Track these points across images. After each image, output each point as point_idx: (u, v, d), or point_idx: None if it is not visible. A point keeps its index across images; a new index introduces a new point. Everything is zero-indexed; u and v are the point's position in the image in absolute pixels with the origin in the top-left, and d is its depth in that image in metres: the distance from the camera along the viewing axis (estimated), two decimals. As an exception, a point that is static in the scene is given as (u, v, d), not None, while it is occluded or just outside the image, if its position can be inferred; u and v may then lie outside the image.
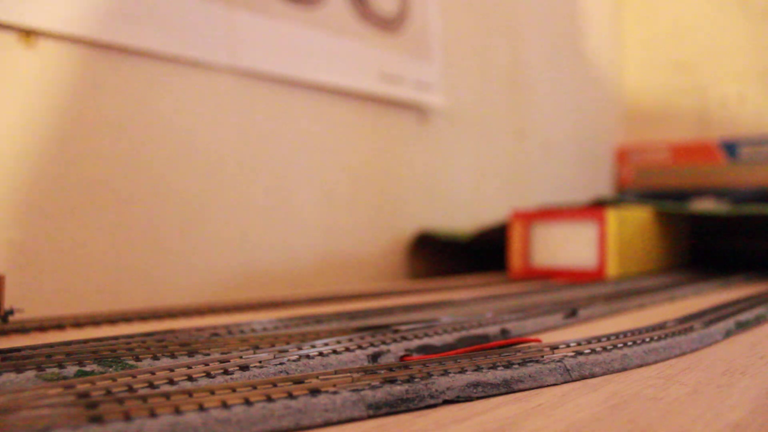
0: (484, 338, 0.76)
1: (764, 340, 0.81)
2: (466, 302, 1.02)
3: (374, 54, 1.43)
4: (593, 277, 1.42)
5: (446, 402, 0.54)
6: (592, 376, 0.63)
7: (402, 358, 0.66)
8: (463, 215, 1.70)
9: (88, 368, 0.59)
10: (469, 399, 0.55)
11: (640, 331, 0.76)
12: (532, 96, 2.01)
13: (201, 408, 0.46)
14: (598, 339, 0.71)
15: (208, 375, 0.55)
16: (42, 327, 0.82)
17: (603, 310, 1.02)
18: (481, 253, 1.72)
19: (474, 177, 1.77)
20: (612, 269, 1.42)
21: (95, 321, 0.87)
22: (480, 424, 0.48)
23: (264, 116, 1.27)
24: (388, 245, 1.53)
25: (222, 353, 0.64)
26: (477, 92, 1.79)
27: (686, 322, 0.81)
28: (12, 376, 0.55)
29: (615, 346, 0.68)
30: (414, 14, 1.54)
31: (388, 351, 0.67)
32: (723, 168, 2.03)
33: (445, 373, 0.56)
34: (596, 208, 1.50)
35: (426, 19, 1.58)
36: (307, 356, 0.62)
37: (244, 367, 0.57)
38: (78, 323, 0.85)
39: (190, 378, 0.54)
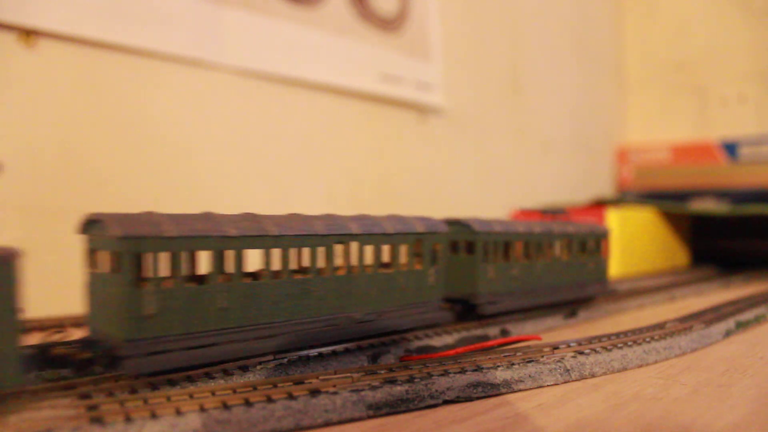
0: (484, 338, 0.76)
1: (764, 340, 0.81)
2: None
3: (374, 54, 1.43)
4: (593, 277, 1.42)
5: (446, 402, 0.54)
6: (592, 376, 0.63)
7: (402, 358, 0.66)
8: (463, 215, 1.69)
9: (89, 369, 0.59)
10: (469, 399, 0.55)
11: (640, 331, 0.77)
12: (532, 96, 2.01)
13: (201, 409, 0.46)
14: (599, 339, 0.71)
15: (209, 376, 0.55)
16: (42, 327, 0.82)
17: (603, 310, 1.02)
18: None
19: (474, 177, 1.77)
20: (612, 269, 1.42)
21: (95, 321, 0.87)
22: (480, 424, 0.49)
23: (264, 116, 1.27)
24: (388, 245, 1.53)
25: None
26: (477, 92, 1.79)
27: (686, 322, 0.81)
28: (12, 376, 0.55)
29: (615, 346, 0.68)
30: (414, 14, 1.54)
31: (388, 351, 0.67)
32: (723, 168, 2.03)
33: (445, 373, 0.56)
34: (596, 208, 1.50)
35: (426, 19, 1.58)
36: (307, 357, 0.62)
37: (244, 368, 0.57)
38: (78, 323, 0.85)
39: (191, 379, 0.54)
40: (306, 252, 0.64)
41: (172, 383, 0.53)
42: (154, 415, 0.44)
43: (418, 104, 1.57)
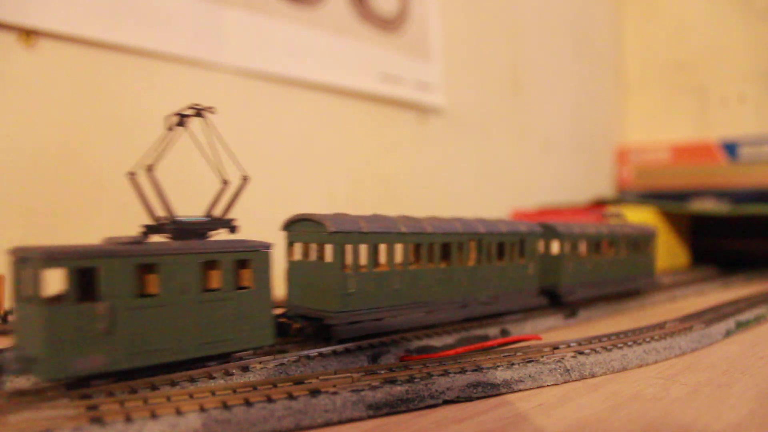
0: (485, 339, 0.76)
1: (764, 340, 0.81)
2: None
3: (374, 54, 1.43)
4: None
5: (446, 402, 0.54)
6: (592, 376, 0.63)
7: (402, 358, 0.66)
8: (463, 215, 1.69)
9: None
10: (469, 399, 0.55)
11: (640, 331, 0.77)
12: (532, 96, 2.01)
13: (201, 409, 0.46)
14: (599, 339, 0.71)
15: (209, 376, 0.55)
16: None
17: (603, 310, 1.02)
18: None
19: (474, 177, 1.77)
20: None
21: (95, 321, 0.87)
22: (480, 424, 0.49)
23: (264, 116, 1.27)
24: (388, 245, 1.53)
25: (222, 353, 0.64)
26: (477, 92, 1.79)
27: (686, 322, 0.81)
28: (12, 376, 0.55)
29: (615, 346, 0.68)
30: (414, 14, 1.54)
31: (388, 351, 0.67)
32: (723, 168, 2.02)
33: (445, 373, 0.56)
34: (596, 208, 1.50)
35: (426, 19, 1.58)
36: (307, 357, 0.62)
37: (244, 368, 0.57)
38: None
39: (191, 379, 0.54)
40: (448, 246, 0.78)
41: (172, 383, 0.53)
42: (154, 415, 0.44)
43: (418, 104, 1.57)
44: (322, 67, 1.34)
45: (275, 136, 1.29)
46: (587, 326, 0.91)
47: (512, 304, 0.86)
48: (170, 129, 0.62)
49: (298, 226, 0.70)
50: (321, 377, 0.53)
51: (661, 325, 0.80)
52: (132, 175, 0.60)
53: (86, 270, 0.48)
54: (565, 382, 0.61)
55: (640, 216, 1.56)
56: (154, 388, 0.51)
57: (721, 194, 1.96)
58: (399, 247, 0.71)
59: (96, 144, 1.04)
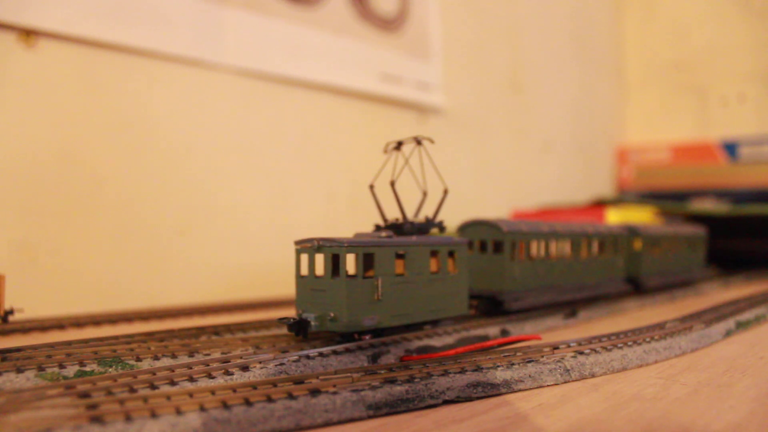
0: (485, 339, 0.76)
1: (764, 340, 0.81)
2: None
3: (374, 54, 1.43)
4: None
5: (446, 402, 0.54)
6: (592, 376, 0.63)
7: (402, 358, 0.66)
8: (463, 215, 1.69)
9: (88, 368, 0.59)
10: (469, 399, 0.55)
11: (640, 331, 0.77)
12: (532, 96, 2.01)
13: (201, 408, 0.46)
14: (599, 339, 0.71)
15: (209, 376, 0.55)
16: (42, 327, 0.82)
17: (603, 310, 1.02)
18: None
19: (474, 177, 1.76)
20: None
21: (96, 321, 0.87)
22: (480, 424, 0.49)
23: (264, 116, 1.27)
24: (388, 245, 1.53)
25: (222, 353, 0.64)
26: (477, 92, 1.79)
27: (686, 322, 0.81)
28: (12, 376, 0.55)
29: (615, 346, 0.68)
30: (414, 14, 1.54)
31: (388, 351, 0.67)
32: (723, 168, 2.02)
33: (445, 373, 0.56)
34: (596, 208, 1.50)
35: (426, 19, 1.58)
36: (307, 356, 0.62)
37: (244, 368, 0.57)
38: (79, 323, 0.85)
39: (191, 378, 0.54)
40: (572, 243, 0.98)
41: (172, 383, 0.53)
42: (154, 415, 0.44)
43: (418, 104, 1.57)
44: (322, 67, 1.34)
45: (275, 135, 1.29)
46: (587, 326, 0.91)
47: (609, 289, 1.06)
48: (385, 152, 0.82)
49: (472, 228, 0.89)
50: (321, 377, 0.53)
51: (661, 325, 0.80)
52: (371, 188, 0.80)
53: (367, 255, 0.65)
54: (565, 382, 0.61)
55: (640, 216, 1.56)
56: (153, 387, 0.51)
57: (721, 194, 1.96)
58: (541, 244, 0.91)
59: (96, 143, 1.04)
